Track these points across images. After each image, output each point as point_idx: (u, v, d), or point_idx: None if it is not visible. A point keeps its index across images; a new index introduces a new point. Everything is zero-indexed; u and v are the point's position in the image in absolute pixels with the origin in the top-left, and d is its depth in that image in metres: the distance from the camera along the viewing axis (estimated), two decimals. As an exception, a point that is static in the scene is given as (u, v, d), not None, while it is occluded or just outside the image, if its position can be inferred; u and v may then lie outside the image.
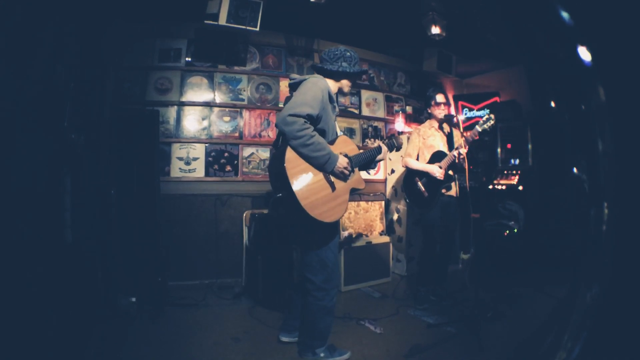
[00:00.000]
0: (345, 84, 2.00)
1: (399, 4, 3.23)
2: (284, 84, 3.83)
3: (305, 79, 1.91)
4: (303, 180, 1.75)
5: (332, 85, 1.98)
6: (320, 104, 1.81)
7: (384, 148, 2.09)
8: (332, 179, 1.87)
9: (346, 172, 1.88)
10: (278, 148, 1.88)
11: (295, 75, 2.08)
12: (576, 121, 0.90)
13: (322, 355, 1.99)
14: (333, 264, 1.95)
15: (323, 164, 1.79)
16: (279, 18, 3.49)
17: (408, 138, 3.15)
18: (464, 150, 2.65)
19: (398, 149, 2.21)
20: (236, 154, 3.63)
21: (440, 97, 2.91)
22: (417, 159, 2.99)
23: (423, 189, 2.87)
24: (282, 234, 2.97)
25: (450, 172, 2.82)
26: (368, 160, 2.04)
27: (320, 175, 1.82)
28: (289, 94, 2.05)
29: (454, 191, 2.91)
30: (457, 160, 2.71)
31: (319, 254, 1.90)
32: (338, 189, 1.87)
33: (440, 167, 2.78)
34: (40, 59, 1.79)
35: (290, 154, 1.74)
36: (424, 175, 2.88)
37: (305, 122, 1.73)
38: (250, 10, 3.07)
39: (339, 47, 1.99)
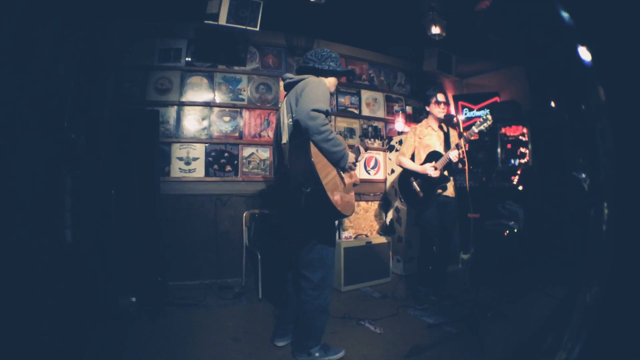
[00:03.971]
0: (332, 82, 2.04)
1: (399, 4, 3.23)
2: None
3: (303, 79, 1.92)
4: (326, 175, 1.73)
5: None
6: (329, 102, 1.83)
7: (362, 150, 2.15)
8: (342, 174, 1.90)
9: (353, 167, 1.92)
10: (295, 143, 1.82)
11: (290, 75, 2.08)
12: (576, 121, 0.90)
13: (316, 355, 1.99)
14: (331, 262, 1.99)
15: (339, 160, 1.79)
16: (279, 18, 3.49)
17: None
18: (454, 153, 2.65)
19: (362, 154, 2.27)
20: (236, 154, 3.63)
21: (440, 96, 2.90)
22: (413, 159, 2.98)
23: (418, 189, 2.87)
24: (282, 234, 2.97)
25: (446, 173, 2.81)
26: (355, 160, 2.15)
27: (335, 171, 1.83)
28: (285, 93, 2.07)
29: (450, 191, 2.89)
30: (453, 161, 2.70)
31: (320, 252, 1.92)
32: (347, 185, 1.92)
33: (435, 168, 2.77)
34: (41, 58, 1.79)
35: (314, 148, 1.70)
36: (420, 175, 2.87)
37: (325, 117, 1.73)
38: (250, 10, 3.07)
39: (324, 49, 2.05)
